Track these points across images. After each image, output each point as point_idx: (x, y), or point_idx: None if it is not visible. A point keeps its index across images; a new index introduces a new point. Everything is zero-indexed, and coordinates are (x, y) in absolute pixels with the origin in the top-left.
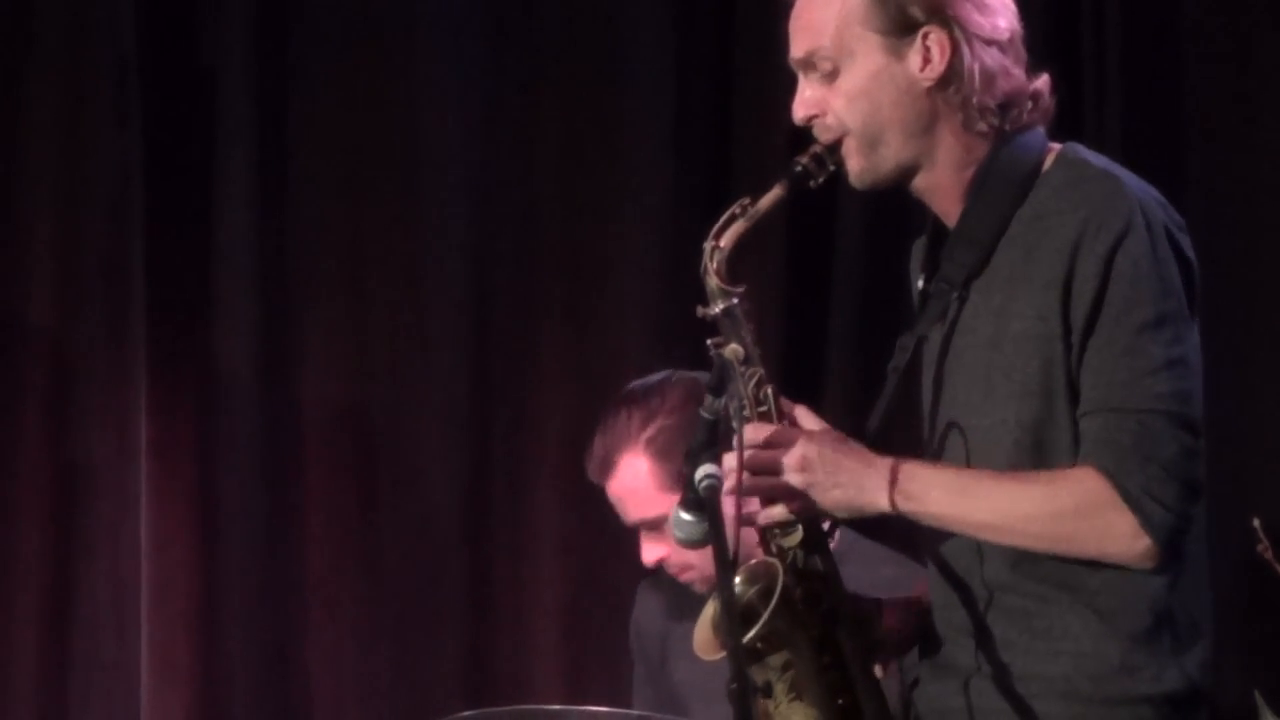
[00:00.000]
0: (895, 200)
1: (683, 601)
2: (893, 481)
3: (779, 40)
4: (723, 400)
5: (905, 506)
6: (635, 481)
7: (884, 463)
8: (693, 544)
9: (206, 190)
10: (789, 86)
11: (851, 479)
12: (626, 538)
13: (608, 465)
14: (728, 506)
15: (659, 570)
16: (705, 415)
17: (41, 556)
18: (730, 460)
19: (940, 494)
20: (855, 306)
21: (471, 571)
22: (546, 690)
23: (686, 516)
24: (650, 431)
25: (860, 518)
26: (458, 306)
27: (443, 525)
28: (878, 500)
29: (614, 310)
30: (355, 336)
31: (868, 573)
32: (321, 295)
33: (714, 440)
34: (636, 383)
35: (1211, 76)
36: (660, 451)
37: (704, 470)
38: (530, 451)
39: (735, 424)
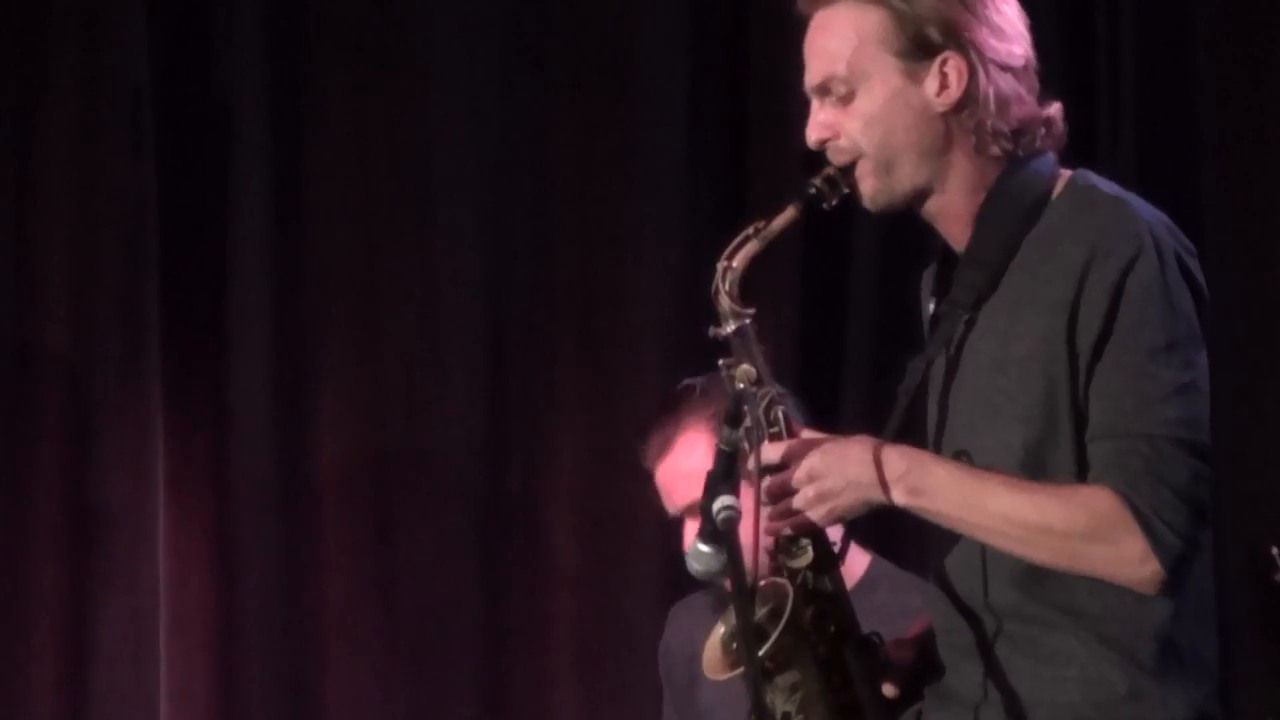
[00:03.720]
0: (910, 223)
1: (713, 625)
2: (903, 475)
3: (792, 67)
4: (740, 431)
5: (914, 502)
6: (691, 459)
7: (895, 456)
8: (711, 576)
9: (221, 222)
10: (804, 113)
11: (860, 475)
12: (643, 569)
13: (667, 444)
14: (745, 537)
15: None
16: (722, 447)
17: (60, 591)
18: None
19: (952, 496)
20: (871, 329)
21: (488, 603)
22: (563, 718)
23: (704, 548)
24: (713, 410)
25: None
26: (473, 336)
27: (460, 557)
28: (887, 495)
29: (630, 339)
30: (371, 368)
31: (897, 599)
32: (337, 326)
33: (731, 472)
34: (692, 379)
35: (1226, 95)
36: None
37: (721, 502)
38: (547, 481)
39: (749, 446)
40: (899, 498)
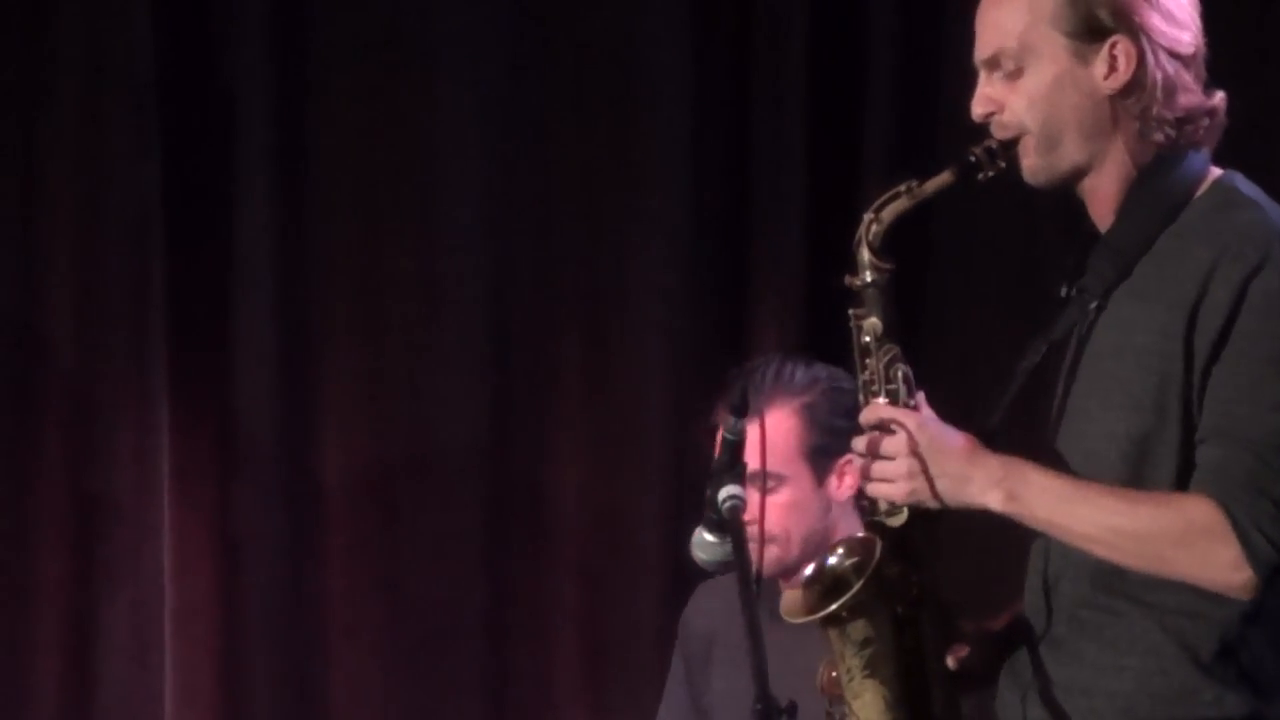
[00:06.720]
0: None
1: (737, 610)
2: (1000, 480)
3: (794, 59)
4: (744, 421)
5: (1009, 508)
6: (776, 433)
7: (994, 460)
8: (715, 565)
9: (226, 216)
10: (805, 106)
11: (958, 471)
12: (647, 563)
13: (760, 406)
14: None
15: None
16: (728, 436)
17: (64, 584)
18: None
19: (1048, 501)
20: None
21: (493, 595)
22: (568, 712)
23: (710, 538)
24: (809, 398)
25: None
26: (477, 328)
27: (464, 549)
28: (983, 497)
29: (633, 331)
30: (376, 360)
31: None
32: (342, 320)
33: (736, 461)
34: (786, 357)
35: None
36: (809, 421)
37: (727, 491)
38: (551, 474)
39: (863, 398)
40: (996, 502)
